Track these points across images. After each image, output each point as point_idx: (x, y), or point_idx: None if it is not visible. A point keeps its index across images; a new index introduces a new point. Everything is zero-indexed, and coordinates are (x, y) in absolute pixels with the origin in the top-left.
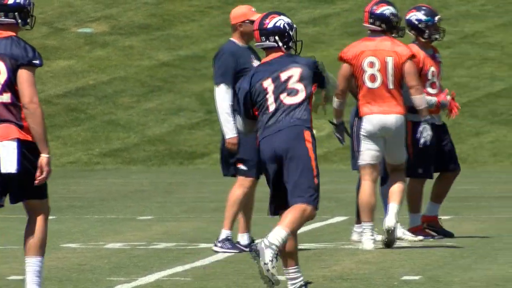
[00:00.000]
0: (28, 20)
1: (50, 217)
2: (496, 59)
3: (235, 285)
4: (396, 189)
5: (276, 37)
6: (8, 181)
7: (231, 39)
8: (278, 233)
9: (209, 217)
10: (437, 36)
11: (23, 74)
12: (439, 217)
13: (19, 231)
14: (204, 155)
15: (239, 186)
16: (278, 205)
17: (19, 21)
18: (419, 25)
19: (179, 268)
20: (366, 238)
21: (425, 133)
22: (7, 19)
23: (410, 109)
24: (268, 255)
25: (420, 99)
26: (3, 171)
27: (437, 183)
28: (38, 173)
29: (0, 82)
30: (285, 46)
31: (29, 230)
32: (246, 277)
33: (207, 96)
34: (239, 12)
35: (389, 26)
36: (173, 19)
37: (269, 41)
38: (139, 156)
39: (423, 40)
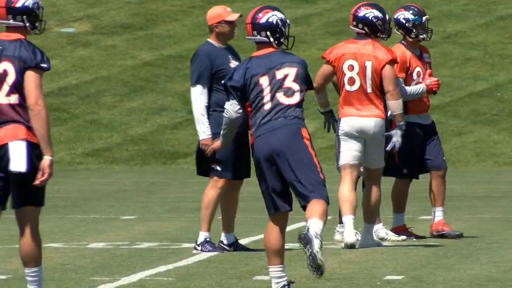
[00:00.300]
0: (37, 24)
1: None
2: (478, 59)
3: (218, 285)
4: (365, 202)
5: (268, 33)
6: (14, 182)
7: (208, 40)
8: (317, 225)
9: (192, 217)
10: (424, 36)
11: (30, 76)
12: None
13: (1, 231)
14: (187, 154)
15: (212, 187)
16: (276, 204)
17: (27, 24)
18: (407, 24)
19: (162, 268)
20: (347, 230)
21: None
22: (15, 22)
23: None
24: (317, 244)
25: (395, 104)
26: (13, 169)
27: (431, 188)
28: (39, 175)
29: (8, 83)
30: (276, 42)
31: (25, 242)
32: (229, 277)
33: (190, 96)
34: (214, 13)
35: (372, 30)
36: (155, 19)
37: (261, 36)
38: (121, 155)
39: (410, 39)
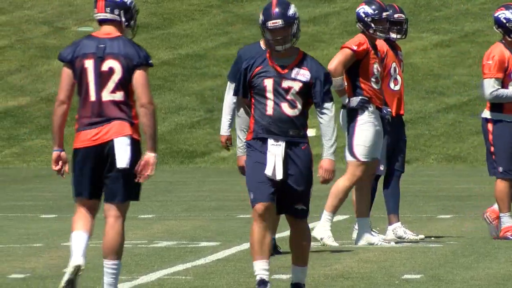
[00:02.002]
0: (132, 23)
1: (51, 216)
2: None
3: (236, 283)
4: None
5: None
6: (114, 177)
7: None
8: None
9: (209, 216)
10: None
11: (140, 75)
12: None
13: (19, 230)
14: (205, 154)
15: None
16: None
17: (123, 19)
18: (507, 24)
19: (180, 267)
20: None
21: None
22: (112, 15)
23: (492, 107)
24: None
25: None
26: (118, 165)
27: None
28: (142, 170)
29: (114, 81)
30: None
31: (111, 235)
32: (246, 276)
33: (207, 94)
34: None
35: (364, 25)
36: (173, 18)
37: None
38: None
39: (509, 39)
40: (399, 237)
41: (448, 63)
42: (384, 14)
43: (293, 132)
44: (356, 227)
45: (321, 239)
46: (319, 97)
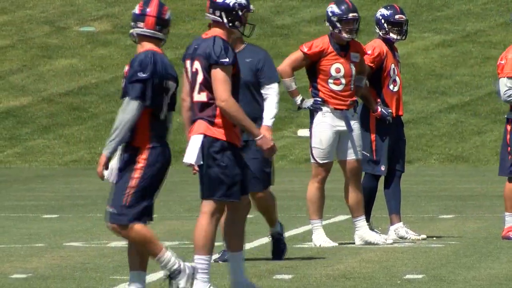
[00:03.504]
0: (237, 24)
1: (52, 216)
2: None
3: None
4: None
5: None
6: (201, 174)
7: None
8: None
9: None
10: None
11: (213, 73)
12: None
13: (21, 230)
14: None
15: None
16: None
17: (225, 20)
18: None
19: None
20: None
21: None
22: (213, 16)
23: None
24: None
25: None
26: (184, 160)
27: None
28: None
29: (198, 81)
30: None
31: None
32: (249, 276)
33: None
34: None
35: (330, 24)
36: (175, 18)
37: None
38: None
39: None
40: (401, 237)
41: (450, 63)
42: (351, 15)
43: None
44: (355, 227)
45: (320, 246)
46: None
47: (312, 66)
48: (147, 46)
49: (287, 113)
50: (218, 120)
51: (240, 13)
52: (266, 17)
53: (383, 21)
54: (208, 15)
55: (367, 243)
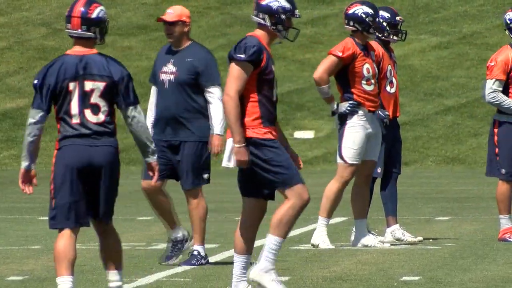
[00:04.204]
0: (280, 27)
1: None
2: None
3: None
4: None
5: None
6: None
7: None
8: None
9: (208, 218)
10: None
11: (229, 68)
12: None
13: (17, 232)
14: None
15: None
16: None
17: (268, 23)
18: None
19: (178, 269)
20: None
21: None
22: (257, 18)
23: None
24: None
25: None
26: (223, 164)
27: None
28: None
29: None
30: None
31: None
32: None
33: None
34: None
35: (363, 25)
36: None
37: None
38: (138, 156)
39: None
40: (398, 239)
41: (446, 65)
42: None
43: None
44: (354, 229)
45: (317, 245)
46: None
47: (342, 70)
48: (76, 48)
49: (283, 114)
50: (245, 120)
51: (283, 16)
52: None
53: (385, 24)
54: (253, 17)
55: (364, 245)
